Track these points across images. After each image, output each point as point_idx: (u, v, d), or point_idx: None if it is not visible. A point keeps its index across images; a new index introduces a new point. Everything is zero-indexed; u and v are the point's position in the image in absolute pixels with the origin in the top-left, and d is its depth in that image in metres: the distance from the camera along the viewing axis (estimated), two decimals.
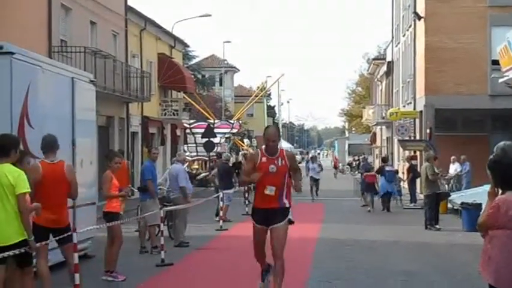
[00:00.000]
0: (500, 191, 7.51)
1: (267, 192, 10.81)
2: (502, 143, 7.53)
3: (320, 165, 40.10)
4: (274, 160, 10.85)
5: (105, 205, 14.40)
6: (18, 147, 9.99)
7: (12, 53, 13.27)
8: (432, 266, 16.03)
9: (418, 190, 33.30)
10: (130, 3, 39.57)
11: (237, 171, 31.02)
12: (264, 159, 10.86)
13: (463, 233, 21.75)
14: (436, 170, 23.76)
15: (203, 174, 45.10)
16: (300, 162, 79.28)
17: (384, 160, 34.93)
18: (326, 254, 17.84)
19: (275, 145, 10.94)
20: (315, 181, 37.85)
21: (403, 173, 37.14)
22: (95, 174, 17.86)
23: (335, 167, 74.58)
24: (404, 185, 34.78)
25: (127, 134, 38.79)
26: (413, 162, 34.96)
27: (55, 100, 15.26)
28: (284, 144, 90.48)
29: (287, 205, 11.12)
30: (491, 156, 7.46)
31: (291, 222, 11.29)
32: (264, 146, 11.06)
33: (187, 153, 44.66)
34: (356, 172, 67.43)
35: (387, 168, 31.55)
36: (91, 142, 17.79)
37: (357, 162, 74.30)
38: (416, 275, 14.91)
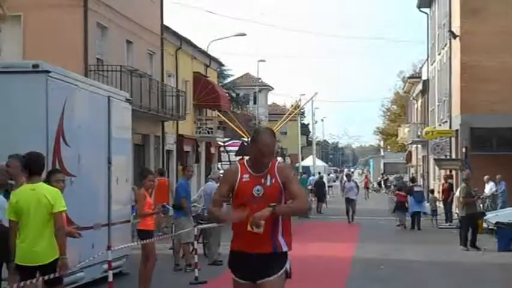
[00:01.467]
0: None
1: (252, 228, 7.10)
2: None
3: (356, 184, 36.46)
4: (261, 178, 7.24)
5: (139, 223, 14.47)
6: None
7: (48, 72, 13.34)
8: (466, 286, 15.91)
9: (454, 209, 33.09)
10: (166, 22, 39.88)
11: None
12: (246, 177, 7.30)
13: (498, 253, 21.53)
14: (473, 192, 23.60)
15: None
16: (334, 181, 78.79)
17: (413, 180, 36.48)
18: (360, 274, 17.76)
19: (268, 162, 7.31)
20: (350, 202, 34.21)
21: (439, 192, 36.88)
22: (131, 192, 17.96)
23: (366, 187, 71.42)
24: (440, 204, 34.55)
25: (162, 152, 38.96)
26: (450, 181, 34.75)
27: (91, 118, 15.35)
28: (318, 163, 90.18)
29: (284, 248, 7.34)
30: None
31: (287, 275, 7.43)
32: (247, 158, 7.50)
33: (221, 171, 44.75)
34: (386, 191, 67.62)
35: (415, 189, 32.60)
36: (126, 160, 17.89)
37: (385, 180, 74.66)
38: None
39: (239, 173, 7.32)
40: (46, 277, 9.38)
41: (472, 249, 22.60)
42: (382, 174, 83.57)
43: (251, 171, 7.30)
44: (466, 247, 22.68)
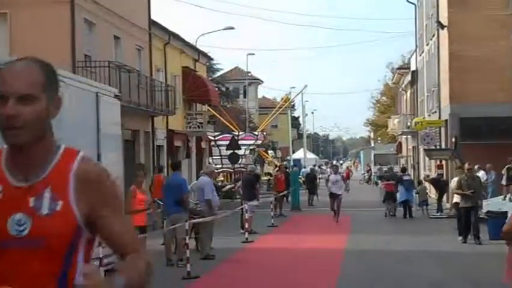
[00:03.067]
0: None
1: None
2: None
3: (342, 177, 32.42)
4: (27, 196, 2.99)
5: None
6: None
7: None
8: (459, 275, 15.98)
9: (445, 199, 33.20)
10: (153, 17, 39.81)
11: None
12: None
13: (489, 242, 21.58)
14: (464, 182, 22.23)
15: (228, 186, 45.18)
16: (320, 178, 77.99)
17: (404, 170, 36.51)
18: (353, 265, 17.80)
19: (25, 129, 3.01)
20: (335, 197, 30.23)
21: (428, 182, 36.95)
22: (122, 189, 17.92)
23: (347, 178, 66.54)
24: (431, 194, 34.67)
25: (153, 148, 38.94)
26: (439, 171, 34.81)
27: (80, 115, 15.31)
28: (309, 155, 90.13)
29: None
30: None
31: None
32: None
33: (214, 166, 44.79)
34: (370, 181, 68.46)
35: (404, 178, 33.21)
36: (116, 156, 17.84)
37: (368, 171, 78.77)
38: (443, 284, 14.87)
39: None
40: None
41: (475, 240, 21.62)
42: (367, 165, 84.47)
43: (9, 177, 3.07)
44: (465, 239, 21.96)
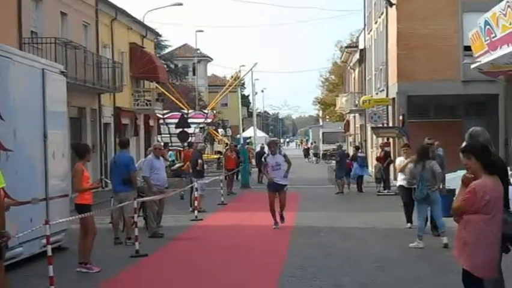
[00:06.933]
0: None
1: None
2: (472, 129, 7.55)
3: (286, 160, 20.96)
4: None
5: (77, 197, 14.30)
6: None
7: None
8: (407, 252, 16.06)
9: (392, 177, 33.45)
10: None
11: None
12: None
13: None
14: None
15: (178, 165, 45.01)
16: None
17: (358, 148, 38.76)
18: (301, 242, 17.83)
19: None
20: (277, 190, 20.61)
21: (377, 160, 37.22)
22: (68, 167, 17.72)
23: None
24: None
25: (99, 125, 38.56)
26: (386, 149, 35.06)
27: (26, 92, 15.12)
28: (259, 133, 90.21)
29: None
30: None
31: None
32: None
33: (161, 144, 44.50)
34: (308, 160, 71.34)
35: (359, 155, 35.52)
36: (62, 134, 17.65)
37: (307, 150, 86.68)
38: (391, 260, 14.93)
39: None
40: None
41: (433, 232, 18.12)
42: (311, 143, 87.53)
43: None
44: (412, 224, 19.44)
